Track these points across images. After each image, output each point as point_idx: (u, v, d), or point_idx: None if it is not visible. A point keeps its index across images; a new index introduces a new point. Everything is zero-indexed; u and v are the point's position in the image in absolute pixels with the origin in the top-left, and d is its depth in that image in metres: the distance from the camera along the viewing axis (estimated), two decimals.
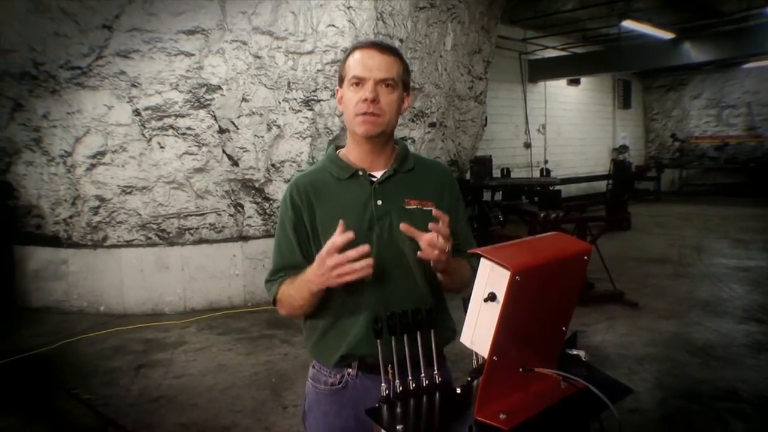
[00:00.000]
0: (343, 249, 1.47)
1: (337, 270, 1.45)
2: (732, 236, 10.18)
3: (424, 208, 1.64)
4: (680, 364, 4.62)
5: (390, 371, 1.43)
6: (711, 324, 5.54)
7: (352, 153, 1.69)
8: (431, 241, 1.46)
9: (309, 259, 1.61)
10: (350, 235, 1.46)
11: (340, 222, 1.48)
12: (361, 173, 1.66)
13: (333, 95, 6.50)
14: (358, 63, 1.59)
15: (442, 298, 1.74)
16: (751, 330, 5.34)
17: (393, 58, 1.61)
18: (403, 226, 1.48)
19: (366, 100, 1.56)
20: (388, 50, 1.62)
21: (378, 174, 1.67)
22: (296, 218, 1.65)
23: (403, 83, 1.64)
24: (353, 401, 1.64)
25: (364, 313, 1.61)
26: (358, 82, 1.58)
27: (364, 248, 1.45)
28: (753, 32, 12.14)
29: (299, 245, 1.66)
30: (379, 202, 1.63)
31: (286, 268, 1.67)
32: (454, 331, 1.72)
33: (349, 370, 1.66)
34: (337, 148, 1.76)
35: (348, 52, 1.64)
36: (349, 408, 1.65)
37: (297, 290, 1.60)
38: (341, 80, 1.64)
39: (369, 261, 1.45)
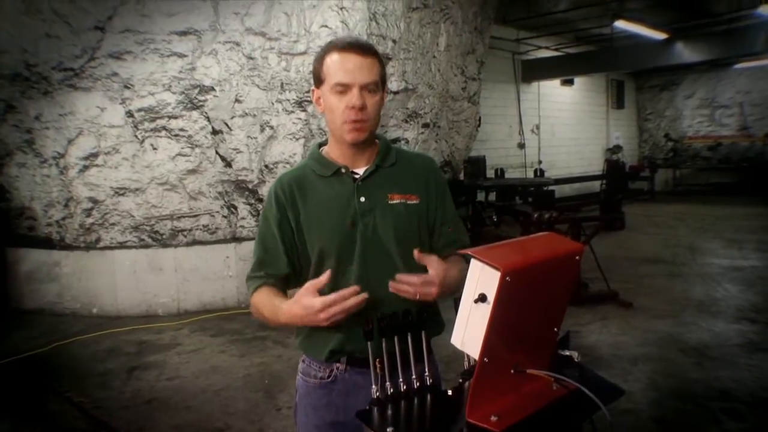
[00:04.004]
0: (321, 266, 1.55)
1: (324, 313, 1.45)
2: (725, 236, 10.21)
3: (408, 202, 1.66)
4: (674, 364, 4.63)
5: (378, 366, 1.43)
6: (705, 324, 5.55)
7: (335, 151, 1.69)
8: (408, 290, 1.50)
9: (290, 254, 1.66)
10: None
11: (328, 272, 1.51)
12: (343, 170, 1.65)
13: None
14: (339, 68, 1.56)
15: None
16: (745, 330, 5.36)
17: (372, 58, 1.58)
18: (392, 286, 1.50)
19: (354, 107, 1.55)
20: (368, 51, 1.59)
21: (360, 171, 1.67)
22: (280, 214, 1.66)
23: (382, 82, 1.64)
24: (342, 395, 1.66)
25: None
26: (343, 89, 1.56)
27: (357, 293, 1.46)
28: (744, 33, 12.22)
29: (282, 241, 1.66)
30: (362, 199, 1.63)
31: (268, 263, 1.68)
32: (443, 325, 1.74)
33: (338, 364, 1.67)
34: (320, 145, 1.76)
35: (324, 51, 1.60)
36: (339, 401, 1.67)
37: (273, 315, 1.60)
38: (319, 81, 1.62)
39: (363, 296, 1.46)
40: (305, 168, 1.71)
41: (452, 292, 1.66)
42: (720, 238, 10.03)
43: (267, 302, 1.62)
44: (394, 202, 1.65)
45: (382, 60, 1.64)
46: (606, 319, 5.76)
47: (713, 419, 3.73)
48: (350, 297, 1.44)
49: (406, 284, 1.49)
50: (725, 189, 16.61)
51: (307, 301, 1.47)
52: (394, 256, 1.63)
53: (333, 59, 1.57)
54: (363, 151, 1.67)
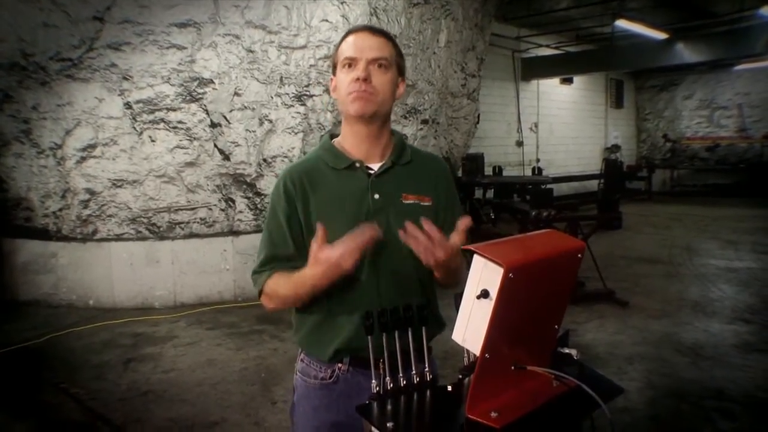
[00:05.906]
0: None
1: (347, 260, 1.43)
2: (722, 237, 10.24)
3: (422, 203, 1.62)
4: (669, 363, 4.64)
5: (381, 366, 1.40)
6: (700, 324, 5.56)
7: (348, 141, 1.65)
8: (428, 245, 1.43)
9: (301, 250, 1.58)
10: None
11: (319, 225, 1.46)
12: (358, 165, 1.62)
13: (326, 90, 6.48)
14: (350, 45, 1.57)
15: (434, 291, 1.71)
16: (740, 330, 5.38)
17: (385, 40, 1.59)
18: (405, 233, 1.43)
19: (358, 79, 1.53)
20: (381, 33, 1.60)
21: (375, 166, 1.63)
22: (289, 208, 1.60)
23: (397, 66, 1.61)
24: (344, 396, 1.62)
25: (359, 308, 1.55)
26: (351, 62, 1.56)
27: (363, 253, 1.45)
28: (745, 34, 12.20)
29: (291, 235, 1.61)
30: (377, 196, 1.59)
31: (277, 258, 1.62)
32: (443, 325, 1.71)
33: (341, 365, 1.63)
34: (332, 137, 1.71)
35: (341, 39, 1.62)
36: (340, 402, 1.63)
37: (296, 286, 1.55)
38: (334, 68, 1.62)
39: (374, 227, 1.44)
40: (316, 159, 1.67)
41: (454, 281, 1.65)
42: (716, 239, 10.05)
43: (284, 281, 1.57)
44: (409, 202, 1.61)
45: (397, 45, 1.64)
46: (602, 318, 5.77)
47: (707, 418, 3.74)
48: (364, 233, 1.43)
49: (422, 236, 1.42)
50: (723, 190, 16.65)
51: (324, 254, 1.44)
52: (406, 256, 1.55)
53: (347, 41, 1.59)
54: (376, 142, 1.63)
